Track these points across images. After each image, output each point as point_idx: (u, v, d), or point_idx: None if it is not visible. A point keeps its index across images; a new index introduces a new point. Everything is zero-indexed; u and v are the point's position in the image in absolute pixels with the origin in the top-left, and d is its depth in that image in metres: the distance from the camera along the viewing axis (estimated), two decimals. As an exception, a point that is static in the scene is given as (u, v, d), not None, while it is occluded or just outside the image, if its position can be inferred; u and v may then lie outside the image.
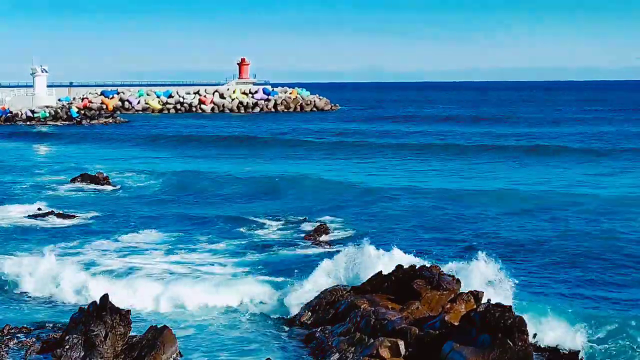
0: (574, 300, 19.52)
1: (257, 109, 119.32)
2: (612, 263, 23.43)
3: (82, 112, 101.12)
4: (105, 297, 16.03)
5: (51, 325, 17.63)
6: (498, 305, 14.95)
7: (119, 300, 17.04)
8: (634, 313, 17.74)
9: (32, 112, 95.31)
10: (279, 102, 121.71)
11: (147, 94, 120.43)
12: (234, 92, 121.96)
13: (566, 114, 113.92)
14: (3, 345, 16.19)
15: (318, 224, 29.07)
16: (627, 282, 21.54)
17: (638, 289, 20.86)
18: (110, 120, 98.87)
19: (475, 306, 15.68)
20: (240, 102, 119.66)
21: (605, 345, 15.80)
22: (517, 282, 19.02)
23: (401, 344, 15.05)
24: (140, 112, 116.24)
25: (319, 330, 17.04)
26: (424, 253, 22.66)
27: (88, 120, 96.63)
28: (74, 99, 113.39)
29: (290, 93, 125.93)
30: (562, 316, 16.87)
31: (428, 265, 18.71)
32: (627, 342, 15.68)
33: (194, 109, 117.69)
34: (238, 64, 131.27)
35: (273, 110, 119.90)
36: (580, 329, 16.24)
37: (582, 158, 53.81)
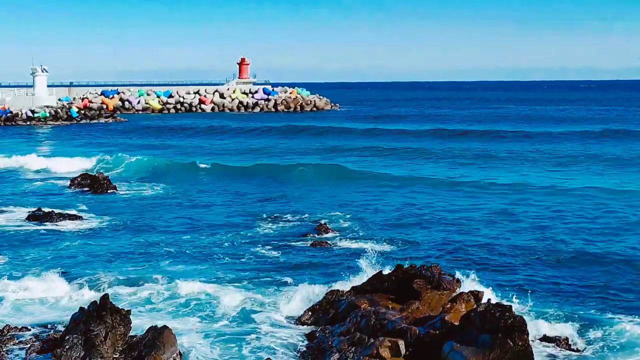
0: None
1: (257, 109, 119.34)
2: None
3: (82, 112, 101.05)
4: (105, 297, 16.02)
5: (51, 325, 17.61)
6: (498, 305, 14.93)
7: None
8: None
9: (32, 112, 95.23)
10: (279, 102, 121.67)
11: (147, 94, 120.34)
12: (234, 92, 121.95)
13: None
14: (3, 345, 16.19)
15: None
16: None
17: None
18: (111, 120, 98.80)
19: (475, 306, 15.66)
20: (240, 102, 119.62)
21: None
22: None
23: (401, 344, 15.03)
24: (141, 112, 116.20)
25: (319, 330, 17.03)
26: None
27: (88, 120, 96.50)
28: (74, 99, 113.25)
29: (290, 93, 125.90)
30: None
31: (428, 265, 18.69)
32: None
33: (194, 108, 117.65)
34: (238, 63, 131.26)
35: (273, 110, 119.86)
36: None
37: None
